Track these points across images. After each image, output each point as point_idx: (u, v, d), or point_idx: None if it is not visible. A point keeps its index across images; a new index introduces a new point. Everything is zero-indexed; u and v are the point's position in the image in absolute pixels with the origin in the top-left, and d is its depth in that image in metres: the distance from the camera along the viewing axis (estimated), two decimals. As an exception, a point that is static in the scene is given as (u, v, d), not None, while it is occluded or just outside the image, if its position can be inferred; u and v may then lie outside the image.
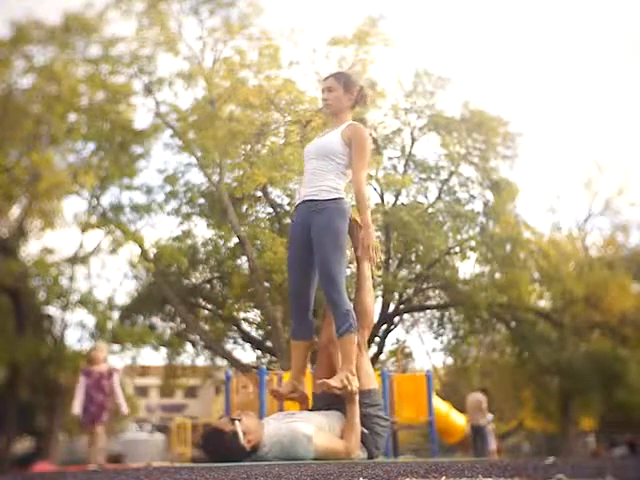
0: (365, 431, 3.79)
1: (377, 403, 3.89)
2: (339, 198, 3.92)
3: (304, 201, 4.00)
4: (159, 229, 21.37)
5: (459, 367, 20.98)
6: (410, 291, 16.33)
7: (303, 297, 3.99)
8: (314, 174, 4.00)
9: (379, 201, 15.80)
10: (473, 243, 16.48)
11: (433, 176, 16.69)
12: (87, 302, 15.66)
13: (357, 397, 3.78)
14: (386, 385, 9.37)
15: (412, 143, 16.47)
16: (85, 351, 16.90)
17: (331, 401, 3.85)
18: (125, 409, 8.49)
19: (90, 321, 16.14)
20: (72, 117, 15.39)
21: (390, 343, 17.58)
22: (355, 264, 4.14)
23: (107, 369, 8.35)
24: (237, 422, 3.56)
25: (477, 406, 12.52)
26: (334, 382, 3.70)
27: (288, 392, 4.07)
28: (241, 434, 3.51)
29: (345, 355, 3.82)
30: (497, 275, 16.61)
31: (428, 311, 17.87)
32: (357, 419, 3.78)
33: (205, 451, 3.68)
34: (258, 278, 13.78)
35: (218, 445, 3.56)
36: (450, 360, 21.33)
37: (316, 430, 3.62)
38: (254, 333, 16.69)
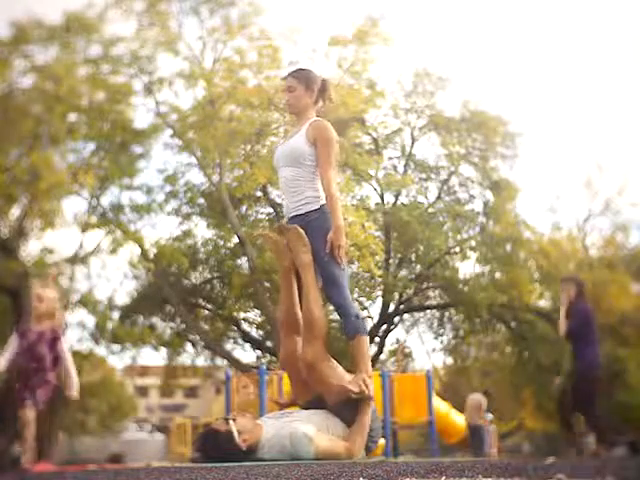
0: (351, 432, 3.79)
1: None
2: (323, 205, 3.90)
3: (290, 217, 3.99)
4: (159, 229, 21.44)
5: (459, 367, 20.99)
6: (410, 291, 16.33)
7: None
8: (290, 186, 3.95)
9: (379, 201, 15.81)
10: (473, 243, 16.48)
11: (433, 176, 16.70)
12: (87, 302, 15.66)
13: (371, 401, 3.77)
14: (386, 385, 9.37)
15: (412, 143, 16.48)
16: (85, 351, 16.97)
17: (320, 407, 3.83)
18: (74, 391, 5.73)
19: (90, 321, 16.14)
20: (72, 117, 15.38)
21: (390, 343, 17.60)
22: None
23: (50, 328, 5.52)
24: (232, 422, 3.57)
25: (476, 407, 12.51)
26: (352, 386, 3.69)
27: (287, 404, 4.09)
28: (236, 434, 3.52)
29: (359, 358, 3.80)
30: (497, 275, 16.61)
31: (428, 311, 17.87)
32: (366, 422, 3.77)
33: (202, 452, 3.69)
34: (258, 278, 13.78)
35: (214, 446, 3.57)
36: (450, 360, 21.34)
37: (316, 430, 3.61)
38: (254, 333, 16.70)
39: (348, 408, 3.76)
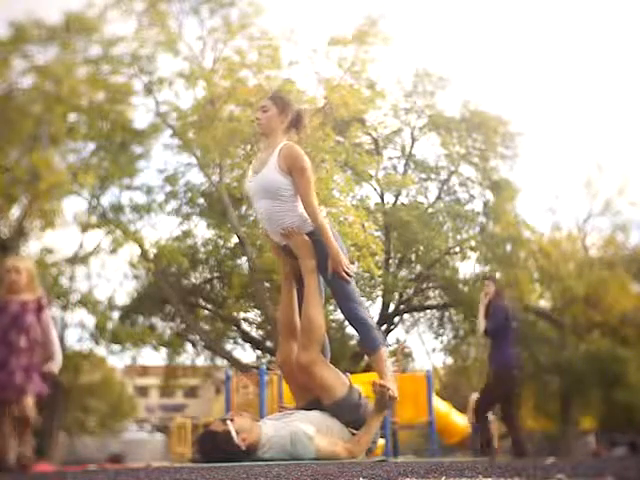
0: (358, 433, 3.79)
1: (356, 402, 3.79)
2: (311, 231, 3.84)
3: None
4: (159, 229, 21.39)
5: (459, 367, 20.97)
6: (410, 291, 16.34)
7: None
8: (272, 217, 3.86)
9: (379, 201, 15.81)
10: (473, 243, 16.48)
11: (433, 176, 16.71)
12: (87, 302, 15.67)
13: (388, 408, 3.82)
14: (386, 385, 9.35)
15: (412, 143, 16.49)
16: (85, 351, 16.99)
17: (315, 408, 3.84)
18: (56, 366, 4.81)
19: (90, 321, 16.15)
20: (72, 117, 15.39)
21: (390, 343, 17.58)
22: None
23: (34, 299, 4.78)
24: (229, 422, 3.58)
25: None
26: (390, 385, 3.76)
27: (292, 409, 4.11)
28: (234, 433, 3.53)
29: (383, 367, 3.80)
30: (497, 275, 16.61)
31: (428, 311, 17.87)
32: (376, 426, 3.79)
33: (201, 453, 3.70)
34: (258, 278, 13.78)
35: (213, 447, 3.57)
36: (450, 360, 21.33)
37: (316, 430, 3.62)
38: (254, 333, 16.70)
39: (346, 409, 3.77)
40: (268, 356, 15.48)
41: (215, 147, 13.80)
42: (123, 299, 16.64)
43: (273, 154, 3.81)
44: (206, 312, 16.92)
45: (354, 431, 3.78)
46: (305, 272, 3.86)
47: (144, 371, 25.23)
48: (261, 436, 3.59)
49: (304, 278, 3.87)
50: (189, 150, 14.96)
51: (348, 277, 3.77)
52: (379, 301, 15.85)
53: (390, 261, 15.71)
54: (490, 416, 14.01)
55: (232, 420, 3.60)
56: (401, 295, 16.28)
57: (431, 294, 17.35)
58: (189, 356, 17.69)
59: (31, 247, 16.52)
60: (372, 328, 3.83)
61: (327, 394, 3.76)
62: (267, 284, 13.95)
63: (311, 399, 3.85)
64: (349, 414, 3.77)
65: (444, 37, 38.86)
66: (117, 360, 34.17)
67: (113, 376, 25.60)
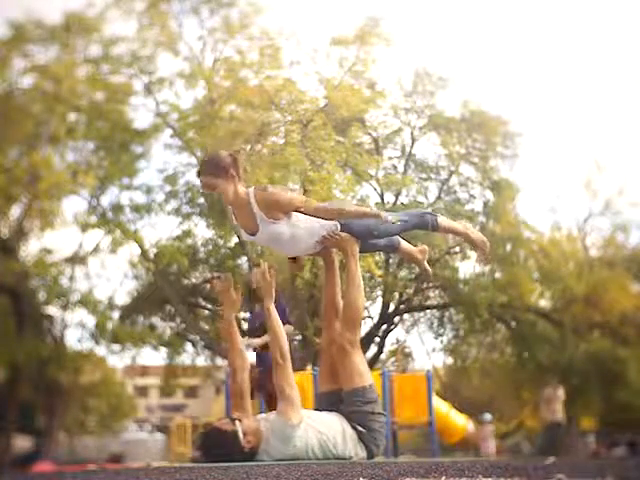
0: (363, 430, 3.79)
1: (372, 400, 3.88)
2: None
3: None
4: (159, 229, 21.37)
5: (459, 367, 20.97)
6: (410, 291, 16.31)
7: None
8: (297, 246, 3.98)
9: (379, 201, 15.79)
10: (473, 243, 16.45)
11: (433, 176, 16.67)
12: (87, 302, 15.67)
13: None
14: (386, 385, 9.36)
15: (412, 143, 16.45)
16: (85, 351, 16.99)
17: (333, 404, 3.87)
18: None
19: (90, 321, 16.16)
20: (72, 117, 15.39)
21: (390, 343, 17.57)
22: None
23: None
24: (237, 422, 3.56)
25: (557, 399, 11.96)
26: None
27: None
28: (241, 434, 3.52)
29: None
30: (497, 275, 16.61)
31: (428, 311, 17.86)
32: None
33: (204, 451, 3.69)
34: (258, 278, 13.75)
35: (217, 445, 3.56)
36: (450, 360, 21.32)
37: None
38: (254, 333, 16.67)
39: (359, 400, 3.82)
40: (268, 356, 15.48)
41: (215, 147, 13.79)
42: (123, 299, 16.64)
43: (252, 210, 3.82)
44: (206, 312, 16.91)
45: (359, 427, 3.79)
46: (347, 257, 4.00)
47: (144, 371, 25.24)
48: (262, 439, 3.60)
49: (347, 262, 4.01)
50: (189, 150, 14.96)
51: (383, 215, 3.91)
52: (379, 301, 15.85)
53: (390, 261, 15.68)
54: (489, 416, 14.00)
55: (240, 421, 3.59)
56: (401, 295, 16.26)
57: (431, 294, 17.33)
58: (189, 356, 17.69)
59: (31, 247, 16.55)
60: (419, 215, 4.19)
61: (351, 380, 3.84)
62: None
63: (332, 390, 3.93)
64: (360, 406, 3.80)
65: (444, 37, 38.77)
66: (117, 360, 34.13)
67: (113, 376, 25.58)
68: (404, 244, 4.31)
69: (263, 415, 3.84)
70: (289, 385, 3.65)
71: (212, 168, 3.83)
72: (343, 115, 13.57)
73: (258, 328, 6.31)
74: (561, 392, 12.11)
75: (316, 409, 3.97)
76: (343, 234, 3.97)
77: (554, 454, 10.93)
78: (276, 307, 6.22)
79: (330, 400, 3.90)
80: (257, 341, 6.32)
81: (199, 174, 3.90)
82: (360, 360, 3.95)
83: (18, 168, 14.57)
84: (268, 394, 6.23)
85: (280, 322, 3.86)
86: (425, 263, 4.39)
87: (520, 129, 17.25)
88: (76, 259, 16.09)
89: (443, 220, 4.18)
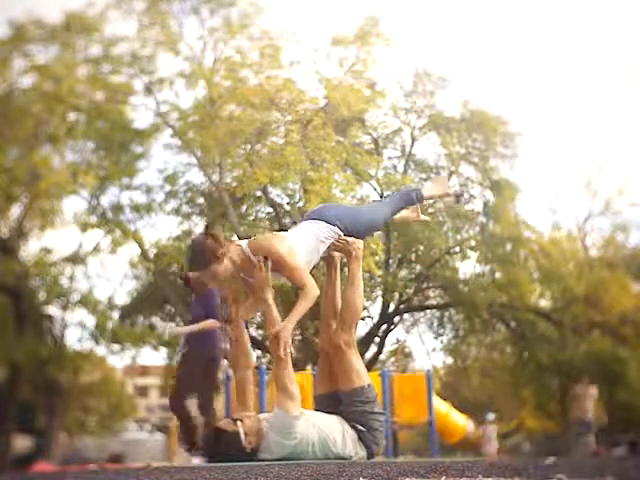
0: (363, 429, 3.80)
1: (371, 399, 3.88)
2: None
3: None
4: (159, 229, 21.37)
5: (459, 367, 20.98)
6: (410, 291, 16.31)
7: None
8: (313, 259, 3.97)
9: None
10: (473, 243, 16.47)
11: (433, 176, 16.67)
12: (87, 302, 15.67)
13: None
14: (386, 385, 9.36)
15: (412, 143, 16.45)
16: (85, 351, 16.98)
17: (332, 405, 3.87)
18: None
19: (90, 321, 16.16)
20: (72, 117, 15.38)
21: (390, 343, 17.58)
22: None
23: None
24: (239, 423, 3.56)
25: (590, 397, 11.73)
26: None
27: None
28: (243, 435, 3.52)
29: None
30: (497, 275, 16.61)
31: (428, 311, 17.86)
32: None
33: (204, 450, 3.69)
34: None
35: (218, 445, 3.56)
36: (450, 360, 21.33)
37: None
38: (254, 333, 16.67)
39: (358, 401, 3.83)
40: (268, 356, 15.48)
41: (215, 147, 13.80)
42: (123, 299, 16.65)
43: (254, 261, 3.74)
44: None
45: (359, 426, 3.79)
46: (352, 259, 4.06)
47: (144, 371, 25.25)
48: (263, 439, 3.60)
49: (350, 265, 4.06)
50: (189, 150, 14.95)
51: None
52: (379, 301, 15.85)
53: (390, 261, 15.69)
54: (491, 416, 13.95)
55: (242, 421, 3.59)
56: (401, 295, 16.26)
57: (431, 294, 17.33)
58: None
59: (31, 247, 16.55)
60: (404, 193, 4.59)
61: (349, 380, 3.85)
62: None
63: (330, 392, 3.93)
64: (359, 406, 3.80)
65: (444, 37, 38.78)
66: (117, 360, 34.12)
67: (113, 376, 25.59)
68: (399, 215, 4.52)
69: (264, 415, 3.84)
70: (289, 379, 3.65)
71: (201, 261, 3.69)
72: (343, 115, 13.57)
73: (200, 316, 6.12)
74: (594, 390, 11.89)
75: (315, 411, 3.97)
76: (350, 239, 4.03)
77: (584, 455, 10.65)
78: (208, 300, 6.10)
79: (329, 402, 3.90)
80: (182, 329, 6.19)
81: (190, 271, 3.86)
82: (357, 360, 3.96)
83: (18, 168, 14.57)
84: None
85: (279, 317, 3.83)
86: (421, 216, 4.67)
87: (520, 129, 17.27)
88: (76, 259, 16.09)
89: (425, 190, 4.52)
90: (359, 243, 4.09)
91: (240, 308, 3.95)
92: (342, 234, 4.01)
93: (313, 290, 3.71)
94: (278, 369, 3.67)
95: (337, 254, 4.17)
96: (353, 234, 4.05)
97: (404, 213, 4.52)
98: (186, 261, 4.14)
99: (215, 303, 6.18)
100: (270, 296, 3.77)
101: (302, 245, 3.84)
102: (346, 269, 4.15)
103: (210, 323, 6.11)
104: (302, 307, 3.71)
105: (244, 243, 3.78)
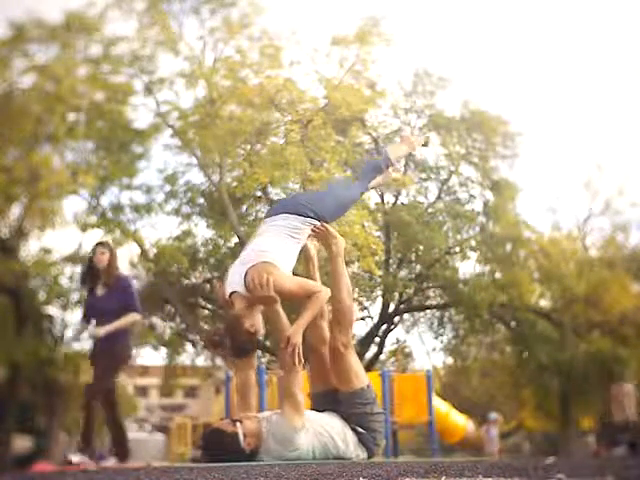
0: (362, 431, 3.79)
1: (369, 401, 3.87)
2: None
3: None
4: (159, 229, 21.38)
5: (459, 367, 20.98)
6: (410, 291, 16.32)
7: None
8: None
9: (379, 201, 15.80)
10: (473, 243, 16.48)
11: (433, 176, 16.68)
12: (87, 302, 15.64)
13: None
14: (386, 385, 9.36)
15: (412, 143, 16.45)
16: (85, 351, 16.96)
17: (329, 403, 3.86)
18: None
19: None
20: (72, 117, 15.37)
21: (390, 343, 17.58)
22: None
23: None
24: (238, 424, 3.56)
25: (624, 396, 11.69)
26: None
27: None
28: (242, 436, 3.51)
29: None
30: (497, 275, 16.60)
31: (428, 311, 17.86)
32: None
33: (205, 451, 3.69)
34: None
35: (217, 445, 3.56)
36: (450, 360, 21.33)
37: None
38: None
39: (358, 402, 3.82)
40: (267, 356, 15.48)
41: (215, 147, 13.79)
42: (123, 299, 16.60)
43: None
44: (206, 312, 16.92)
45: (359, 429, 3.79)
46: (333, 256, 4.01)
47: (144, 371, 25.24)
48: (263, 441, 3.59)
49: (333, 263, 4.01)
50: (189, 150, 14.95)
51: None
52: (379, 301, 15.85)
53: (390, 261, 15.69)
54: (494, 416, 13.92)
55: (241, 422, 3.58)
56: (401, 295, 16.27)
57: (431, 294, 17.34)
58: (189, 356, 17.70)
59: (31, 247, 16.54)
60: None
61: (348, 382, 3.84)
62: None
63: (326, 390, 3.91)
64: (359, 407, 3.79)
65: (444, 37, 38.83)
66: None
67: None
68: (373, 183, 4.45)
69: (265, 414, 3.84)
70: (299, 390, 3.64)
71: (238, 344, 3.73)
72: (343, 115, 13.56)
73: (104, 313, 5.67)
74: (629, 388, 11.87)
75: (312, 410, 3.96)
76: (331, 232, 4.01)
77: (631, 454, 10.56)
78: (124, 291, 5.72)
79: (325, 400, 3.89)
80: (109, 328, 5.63)
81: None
82: (355, 361, 3.94)
83: (18, 168, 14.55)
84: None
85: (288, 323, 3.81)
86: (392, 174, 4.60)
87: (520, 129, 17.27)
88: (76, 259, 16.08)
89: (390, 152, 4.49)
90: (340, 239, 4.04)
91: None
92: (317, 222, 3.95)
93: (322, 293, 3.72)
94: (288, 377, 3.66)
95: (313, 248, 4.13)
96: (325, 218, 4.00)
97: (377, 180, 4.47)
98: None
99: (133, 293, 5.85)
100: (279, 306, 3.80)
101: (286, 258, 3.81)
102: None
103: (132, 317, 5.76)
104: (311, 311, 3.70)
105: (241, 288, 3.70)
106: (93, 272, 5.86)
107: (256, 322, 3.69)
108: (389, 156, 4.43)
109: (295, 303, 3.98)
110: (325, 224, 3.99)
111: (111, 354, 5.73)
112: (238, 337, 3.63)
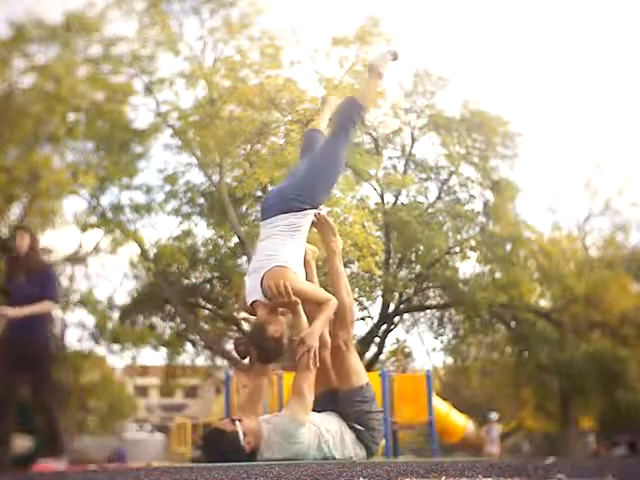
0: (361, 429, 3.80)
1: (369, 399, 3.89)
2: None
3: None
4: (159, 229, 21.39)
5: (459, 367, 20.97)
6: (410, 291, 16.32)
7: None
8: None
9: (379, 201, 15.80)
10: (473, 243, 16.48)
11: (433, 176, 16.69)
12: (87, 302, 15.66)
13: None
14: (386, 385, 9.36)
15: (412, 143, 16.46)
16: (85, 351, 16.98)
17: (328, 404, 3.87)
18: None
19: (90, 321, 16.15)
20: (72, 117, 15.37)
21: (390, 343, 17.57)
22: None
23: None
24: (238, 423, 3.56)
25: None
26: None
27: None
28: (241, 435, 3.52)
29: None
30: (497, 275, 16.61)
31: (428, 311, 17.86)
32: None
33: (204, 451, 3.70)
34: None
35: (217, 445, 3.56)
36: (450, 360, 21.32)
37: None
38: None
39: (357, 400, 3.83)
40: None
41: (215, 147, 13.79)
42: (123, 299, 16.64)
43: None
44: (206, 312, 16.92)
45: (357, 426, 3.79)
46: (331, 255, 4.04)
47: (144, 371, 25.23)
48: (262, 440, 3.60)
49: (331, 260, 4.04)
50: (189, 150, 14.96)
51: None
52: (379, 301, 15.85)
53: (390, 261, 15.69)
54: (494, 415, 13.89)
55: (240, 421, 3.59)
56: (401, 295, 16.27)
57: (431, 294, 17.34)
58: (189, 356, 17.71)
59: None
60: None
61: (348, 380, 3.86)
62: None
63: (329, 388, 3.91)
64: (358, 405, 3.80)
65: (444, 37, 38.79)
66: (117, 360, 34.17)
67: (113, 376, 25.58)
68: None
69: (265, 416, 3.85)
70: (309, 390, 3.67)
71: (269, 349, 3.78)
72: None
73: (20, 299, 5.42)
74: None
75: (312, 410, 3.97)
76: (330, 223, 4.06)
77: (631, 454, 10.57)
78: (44, 279, 5.47)
79: (325, 400, 3.89)
80: (14, 310, 5.36)
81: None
82: (355, 359, 3.97)
83: (18, 168, 14.55)
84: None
85: (307, 323, 3.84)
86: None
87: (520, 129, 17.27)
88: (76, 259, 16.08)
89: (359, 98, 4.21)
90: (338, 238, 4.07)
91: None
92: (315, 209, 3.95)
93: (333, 301, 3.76)
94: (300, 376, 3.68)
95: (311, 253, 4.13)
96: (320, 202, 4.02)
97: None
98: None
99: (54, 283, 5.66)
100: (300, 307, 3.86)
101: (296, 257, 3.84)
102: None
103: (47, 305, 5.54)
104: (326, 316, 3.76)
105: (260, 296, 3.78)
106: (14, 258, 5.62)
107: (280, 327, 3.71)
108: (360, 103, 4.17)
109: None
110: (324, 217, 4.04)
111: (21, 343, 5.43)
112: (264, 344, 3.68)
